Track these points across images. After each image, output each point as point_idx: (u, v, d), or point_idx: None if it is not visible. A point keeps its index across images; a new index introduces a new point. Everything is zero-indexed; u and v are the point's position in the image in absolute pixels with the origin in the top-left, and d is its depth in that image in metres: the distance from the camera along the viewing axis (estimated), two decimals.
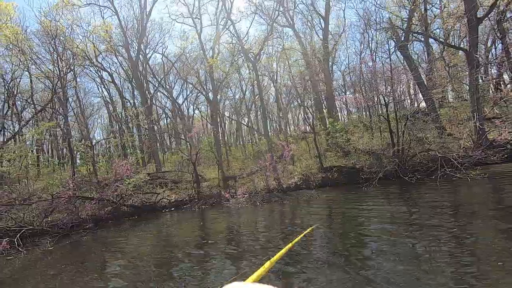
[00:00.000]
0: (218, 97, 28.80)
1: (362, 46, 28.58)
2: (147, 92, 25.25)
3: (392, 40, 20.70)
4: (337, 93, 31.79)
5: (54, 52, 18.10)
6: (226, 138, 32.90)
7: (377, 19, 22.16)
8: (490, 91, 21.39)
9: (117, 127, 29.20)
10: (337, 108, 30.69)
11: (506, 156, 11.62)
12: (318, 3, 25.75)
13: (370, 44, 28.21)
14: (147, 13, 21.49)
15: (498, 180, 10.01)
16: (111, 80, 27.08)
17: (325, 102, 23.49)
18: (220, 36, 22.02)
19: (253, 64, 18.90)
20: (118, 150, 27.07)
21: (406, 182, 11.50)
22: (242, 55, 21.23)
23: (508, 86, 18.68)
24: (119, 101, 29.93)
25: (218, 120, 27.05)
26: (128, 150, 26.07)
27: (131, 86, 28.10)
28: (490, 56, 22.90)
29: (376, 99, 19.50)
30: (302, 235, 3.07)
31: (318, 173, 15.35)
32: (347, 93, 32.28)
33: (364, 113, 29.88)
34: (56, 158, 28.93)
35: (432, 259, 4.68)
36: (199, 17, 21.29)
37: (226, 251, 6.69)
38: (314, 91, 22.68)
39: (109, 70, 26.95)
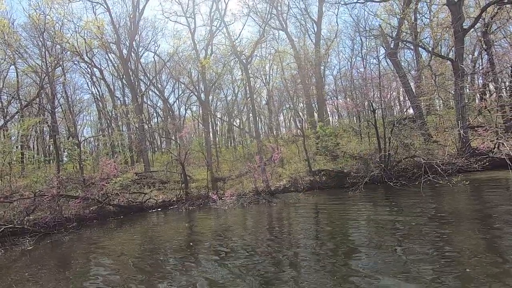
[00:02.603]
0: (210, 98, 28.73)
1: (353, 52, 29.01)
2: (138, 90, 24.99)
3: (382, 47, 21.08)
4: (329, 97, 32.18)
5: (43, 47, 17.75)
6: (217, 139, 32.82)
7: (368, 26, 22.55)
8: (476, 100, 21.98)
9: (106, 125, 28.79)
10: (328, 112, 31.06)
11: (487, 164, 11.95)
12: (311, 8, 26.07)
13: (362, 50, 28.66)
14: (140, 10, 21.30)
15: (478, 187, 10.29)
16: (101, 77, 26.70)
17: (316, 106, 23.70)
18: (213, 37, 21.99)
19: (245, 66, 18.95)
20: (107, 148, 26.65)
21: (391, 187, 11.70)
22: (235, 56, 21.24)
23: (493, 96, 19.24)
24: (109, 99, 29.53)
25: (210, 121, 26.96)
26: (117, 148, 25.72)
27: (121, 83, 27.76)
28: (476, 66, 23.56)
29: (366, 105, 19.80)
30: None
31: (306, 176, 15.46)
32: (339, 97, 32.69)
33: (354, 118, 30.27)
34: (42, 155, 28.28)
35: (413, 262, 4.80)
36: (192, 17, 21.24)
37: (211, 253, 6.68)
38: (305, 94, 22.87)
39: (99, 66, 26.58)
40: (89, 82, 28.71)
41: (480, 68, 21.42)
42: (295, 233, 7.76)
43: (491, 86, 22.51)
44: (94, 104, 31.31)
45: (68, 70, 24.51)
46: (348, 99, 27.22)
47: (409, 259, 4.99)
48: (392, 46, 17.71)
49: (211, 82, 25.65)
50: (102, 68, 27.08)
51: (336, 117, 35.10)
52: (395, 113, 29.27)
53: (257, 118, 31.80)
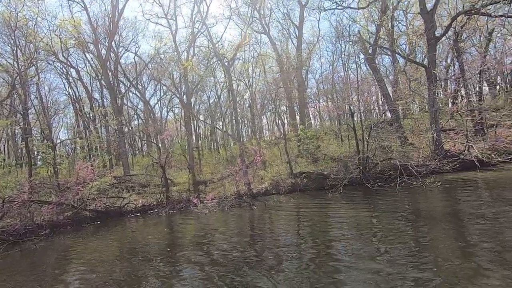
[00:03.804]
0: (192, 100, 28.42)
1: (334, 57, 29.68)
2: (117, 91, 24.34)
3: (361, 53, 21.71)
4: (311, 100, 32.69)
5: (14, 45, 16.95)
6: (200, 142, 32.48)
7: (348, 31, 23.16)
8: (449, 105, 23.07)
9: (84, 127, 27.82)
10: (311, 116, 31.57)
11: (458, 165, 12.55)
12: (294, 13, 26.47)
13: (342, 55, 29.38)
14: (119, 10, 20.83)
15: (450, 188, 10.78)
16: (78, 78, 25.81)
17: (298, 109, 24.02)
18: (195, 39, 21.84)
19: (227, 69, 18.94)
20: (84, 152, 25.73)
21: (368, 189, 12.03)
22: (217, 59, 21.17)
23: (464, 101, 20.24)
24: (86, 100, 28.56)
25: (192, 123, 26.67)
26: (95, 151, 24.89)
27: (100, 84, 26.94)
28: (449, 72, 24.74)
29: (346, 108, 20.29)
30: None
31: (288, 178, 15.60)
32: (321, 101, 33.28)
33: (335, 121, 30.92)
34: (13, 159, 26.89)
35: (391, 260, 5.00)
36: (174, 19, 21.01)
37: (190, 259, 6.59)
38: (287, 98, 23.13)
39: (76, 67, 25.69)
40: (65, 83, 27.64)
41: (452, 74, 22.50)
42: (275, 236, 7.81)
43: (463, 92, 23.73)
44: (71, 106, 30.15)
45: (43, 70, 23.55)
46: (330, 103, 27.79)
47: (385, 255, 5.17)
48: (370, 52, 18.29)
49: (193, 84, 25.41)
50: (79, 68, 26.20)
51: (318, 120, 35.71)
52: (374, 116, 30.17)
53: (240, 121, 31.82)
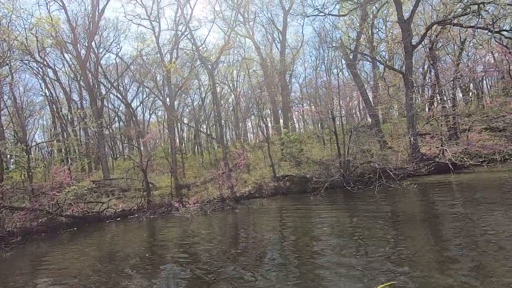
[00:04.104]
0: (176, 103, 28.05)
1: (317, 62, 30.28)
2: (97, 93, 23.66)
3: (343, 59, 22.28)
4: (295, 104, 33.10)
5: None
6: (183, 145, 32.07)
7: (331, 37, 23.73)
8: (426, 110, 24.05)
9: (61, 129, 26.80)
10: (294, 119, 31.94)
11: (433, 168, 13.08)
12: (278, 18, 26.82)
13: (325, 60, 30.02)
14: (100, 10, 20.34)
15: (426, 190, 11.22)
16: (55, 78, 24.89)
17: (281, 113, 24.26)
18: (179, 41, 21.64)
19: (211, 72, 18.88)
20: (61, 155, 24.76)
21: (349, 192, 12.30)
22: (201, 62, 21.06)
23: (439, 106, 21.18)
24: (64, 101, 27.57)
25: (176, 126, 26.29)
26: (73, 154, 24.01)
27: (79, 86, 26.10)
28: (426, 79, 25.83)
29: (328, 112, 20.71)
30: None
31: (271, 182, 15.68)
32: (304, 105, 33.77)
33: (318, 124, 31.44)
34: None
35: (369, 257, 5.19)
36: (157, 20, 20.74)
37: (171, 264, 6.48)
38: (271, 101, 23.33)
39: (53, 67, 24.77)
40: (42, 83, 26.55)
41: (428, 81, 23.51)
42: (258, 238, 7.83)
43: (439, 97, 24.80)
44: (48, 107, 28.99)
45: (17, 70, 22.54)
46: (313, 107, 28.26)
47: (364, 253, 5.31)
48: (351, 58, 18.80)
49: (177, 87, 25.12)
50: (57, 69, 25.29)
51: (302, 124, 36.19)
52: (356, 120, 30.93)
53: (225, 124, 31.74)
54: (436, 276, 4.38)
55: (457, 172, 12.88)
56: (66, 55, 24.16)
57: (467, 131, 16.84)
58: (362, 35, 19.97)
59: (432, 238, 6.07)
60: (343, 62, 26.48)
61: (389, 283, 4.10)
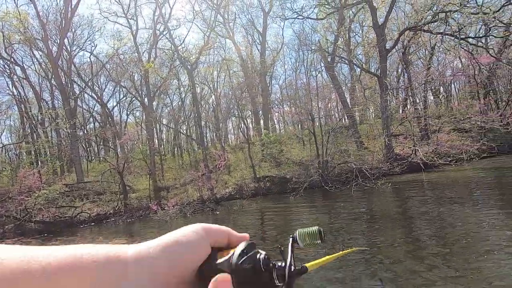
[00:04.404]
0: (154, 103, 27.41)
1: (297, 64, 30.75)
2: (70, 93, 22.63)
3: (322, 61, 22.78)
4: (275, 105, 33.39)
5: None
6: (162, 146, 31.39)
7: (310, 40, 24.19)
8: (400, 111, 25.12)
9: (31, 130, 25.39)
10: (275, 120, 32.24)
11: (406, 168, 13.69)
12: (258, 19, 26.98)
13: (305, 62, 30.55)
14: (73, 6, 19.51)
15: (399, 189, 11.71)
16: (24, 77, 23.57)
17: (262, 114, 24.40)
18: (157, 40, 21.22)
19: (190, 72, 18.66)
20: (31, 157, 23.44)
21: (327, 191, 12.59)
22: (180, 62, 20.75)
23: (412, 108, 22.18)
24: (34, 101, 26.17)
25: (154, 127, 25.68)
26: (44, 157, 22.83)
27: (50, 85, 24.88)
28: (400, 82, 26.98)
29: (308, 113, 21.10)
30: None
31: (251, 182, 15.72)
32: (284, 106, 34.15)
33: (298, 125, 31.92)
34: None
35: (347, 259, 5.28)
36: (134, 19, 20.23)
37: None
38: (251, 103, 23.40)
39: (22, 64, 23.46)
40: (9, 82, 25.03)
41: (402, 84, 24.56)
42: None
43: (411, 99, 25.97)
44: (15, 107, 27.38)
45: None
46: (293, 108, 28.66)
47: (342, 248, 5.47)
48: (329, 60, 19.27)
49: (155, 87, 24.56)
50: (26, 66, 23.97)
51: (282, 125, 36.57)
52: (334, 121, 31.73)
53: (205, 125, 31.40)
54: (407, 261, 4.74)
55: (428, 171, 13.53)
56: (36, 52, 22.96)
57: (437, 132, 17.74)
58: (340, 39, 20.53)
59: (405, 231, 6.43)
60: (322, 64, 27.14)
61: (354, 249, 4.27)
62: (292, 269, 0.39)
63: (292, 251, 0.43)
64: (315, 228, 0.45)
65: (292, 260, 0.40)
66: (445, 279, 4.09)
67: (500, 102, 20.84)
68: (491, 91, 20.49)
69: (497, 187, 9.84)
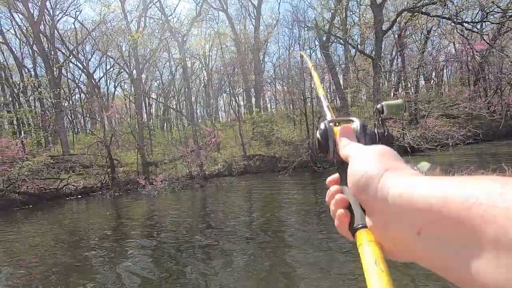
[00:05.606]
0: (144, 76, 26.54)
1: (290, 41, 30.02)
2: (54, 60, 21.53)
3: (316, 40, 22.28)
4: (267, 84, 32.89)
5: None
6: (151, 121, 30.82)
7: (306, 17, 23.48)
8: (392, 95, 25.22)
9: (12, 99, 24.32)
10: (267, 99, 31.87)
11: None
12: None
13: (299, 40, 29.84)
14: None
15: None
16: (3, 41, 22.21)
17: (254, 92, 24.05)
18: (147, 8, 20.11)
19: (181, 45, 17.96)
20: (13, 127, 22.65)
21: (316, 171, 12.79)
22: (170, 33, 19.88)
23: (403, 92, 22.27)
24: (15, 68, 24.89)
25: (143, 101, 25.03)
26: (27, 127, 22.07)
27: (32, 51, 23.58)
28: (394, 65, 26.84)
29: (300, 93, 20.91)
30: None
31: (241, 160, 15.77)
32: (277, 85, 33.68)
33: (290, 105, 31.74)
34: None
35: (330, 232, 5.42)
36: None
37: (136, 244, 6.36)
38: (243, 80, 22.95)
39: (1, 28, 21.99)
40: None
41: (395, 67, 24.45)
42: (225, 216, 7.93)
43: (403, 83, 26.01)
44: None
45: None
46: (285, 87, 28.29)
47: (325, 224, 5.62)
48: (324, 39, 18.85)
49: (144, 59, 23.63)
50: (4, 30, 22.51)
51: (274, 104, 36.28)
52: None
53: (195, 100, 30.83)
54: None
55: (413, 155, 13.84)
56: (16, 15, 21.46)
57: (425, 116, 17.98)
58: (336, 17, 19.98)
59: None
60: (317, 43, 26.56)
61: None
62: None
63: (380, 120, 0.58)
64: (400, 100, 0.59)
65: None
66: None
67: (488, 90, 21.12)
68: (481, 79, 20.68)
69: (478, 172, 10.17)
